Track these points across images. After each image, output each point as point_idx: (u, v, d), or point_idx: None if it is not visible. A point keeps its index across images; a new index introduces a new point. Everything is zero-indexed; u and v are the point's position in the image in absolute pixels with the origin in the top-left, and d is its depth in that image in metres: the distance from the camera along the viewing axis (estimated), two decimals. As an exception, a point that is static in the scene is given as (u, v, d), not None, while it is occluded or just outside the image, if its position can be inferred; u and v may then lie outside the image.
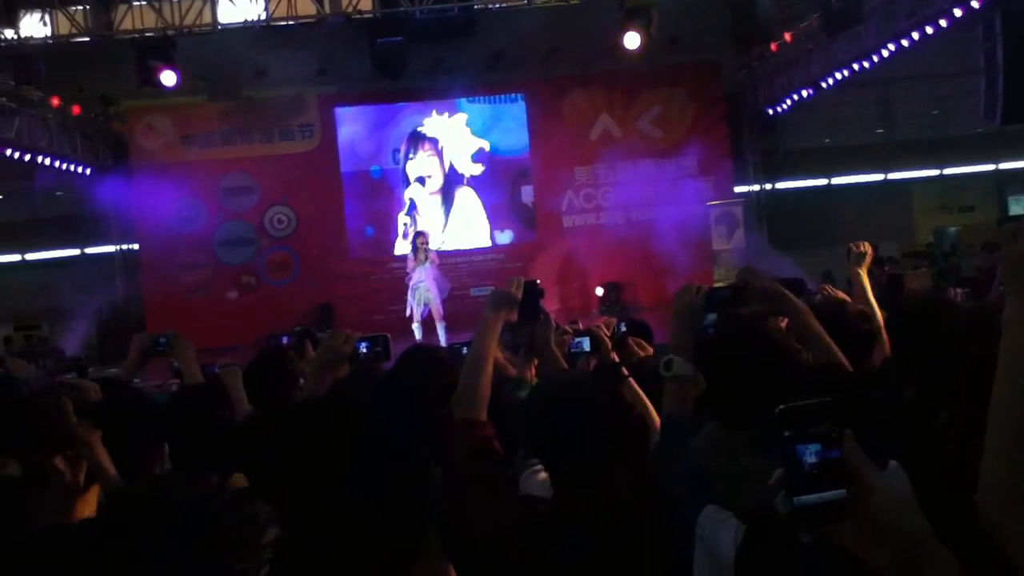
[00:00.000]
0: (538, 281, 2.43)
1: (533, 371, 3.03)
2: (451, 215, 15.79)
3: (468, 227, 15.80)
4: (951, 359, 2.11)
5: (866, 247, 3.66)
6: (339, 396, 1.22)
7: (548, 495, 2.07)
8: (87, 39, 11.89)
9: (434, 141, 15.75)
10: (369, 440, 1.11)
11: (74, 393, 1.99)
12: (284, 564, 1.87)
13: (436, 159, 15.77)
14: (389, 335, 2.48)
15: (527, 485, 2.26)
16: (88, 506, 2.16)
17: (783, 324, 2.77)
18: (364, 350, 2.43)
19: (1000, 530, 1.19)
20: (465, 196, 15.84)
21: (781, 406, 1.09)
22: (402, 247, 15.11)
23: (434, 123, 15.78)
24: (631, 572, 1.88)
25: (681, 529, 1.91)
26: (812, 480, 1.06)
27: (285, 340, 3.42)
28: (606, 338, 3.11)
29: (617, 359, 3.10)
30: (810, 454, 1.07)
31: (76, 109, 13.64)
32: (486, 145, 15.75)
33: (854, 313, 3.12)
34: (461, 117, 15.77)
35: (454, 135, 15.78)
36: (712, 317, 2.44)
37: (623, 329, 3.60)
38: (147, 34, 11.93)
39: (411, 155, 15.75)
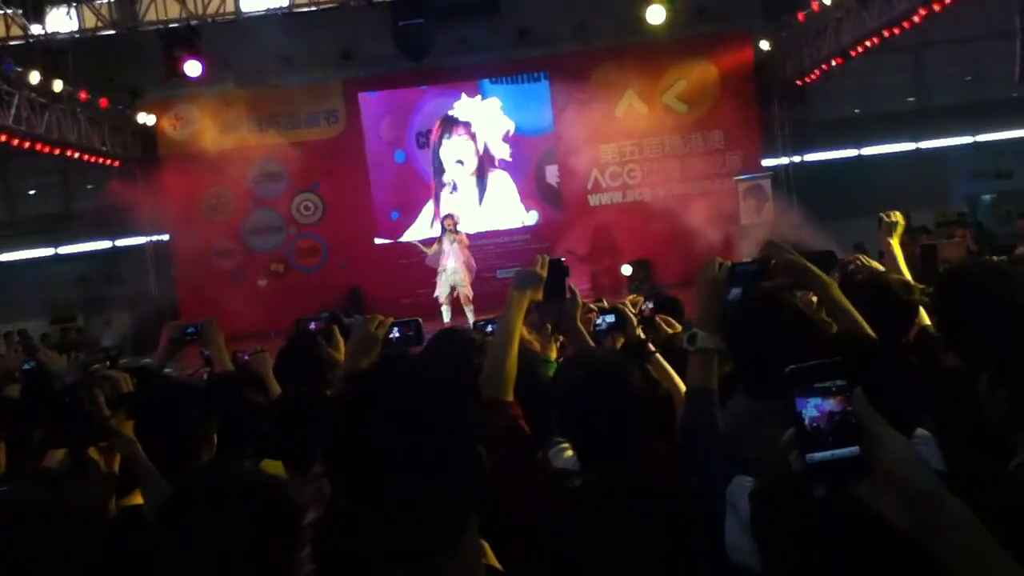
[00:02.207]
0: (563, 259, 2.42)
1: (555, 350, 3.03)
2: (486, 197, 15.79)
3: (503, 209, 15.79)
4: (999, 324, 2.08)
5: (897, 216, 3.60)
6: (386, 372, 1.21)
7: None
8: (112, 32, 11.97)
9: (467, 124, 15.72)
10: (420, 414, 1.11)
11: (107, 384, 2.02)
12: (326, 544, 1.89)
13: (471, 142, 15.74)
14: (420, 319, 2.49)
15: (556, 461, 2.26)
16: (126, 496, 2.20)
17: (812, 299, 2.75)
18: (397, 334, 2.44)
19: None
20: (498, 178, 15.82)
21: (790, 366, 1.09)
22: (419, 231, 15.13)
23: (465, 106, 15.73)
24: (664, 547, 1.88)
25: (713, 500, 1.91)
26: (823, 437, 1.07)
27: (313, 325, 3.44)
28: (631, 315, 3.10)
29: (644, 337, 3.09)
30: (818, 410, 1.08)
31: (104, 102, 13.77)
32: (512, 126, 15.69)
33: (896, 283, 3.06)
34: (494, 101, 15.71)
35: (486, 118, 15.73)
36: (737, 291, 2.43)
37: (650, 306, 3.57)
38: (171, 25, 12.00)
39: (445, 138, 15.73)
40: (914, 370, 2.43)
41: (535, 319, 3.72)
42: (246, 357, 3.91)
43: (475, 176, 15.79)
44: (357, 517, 1.12)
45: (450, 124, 15.73)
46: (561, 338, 3.45)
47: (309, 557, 1.61)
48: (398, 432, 1.09)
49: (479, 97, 15.70)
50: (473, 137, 15.73)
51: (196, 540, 1.35)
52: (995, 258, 5.77)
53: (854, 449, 1.07)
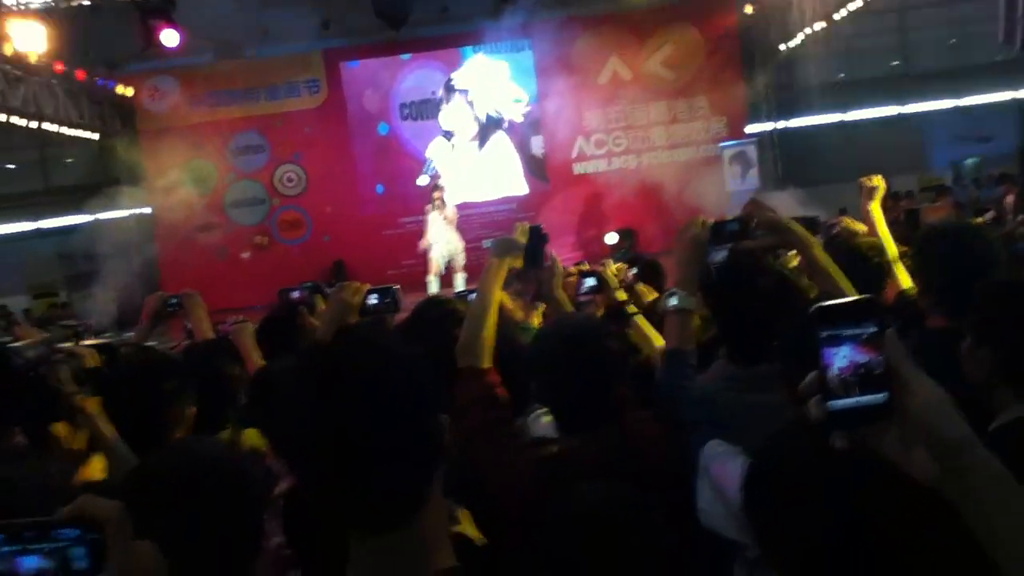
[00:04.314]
0: (542, 226, 2.40)
1: (538, 317, 3.01)
2: (484, 161, 15.59)
3: (500, 174, 15.62)
4: (978, 283, 2.07)
5: (878, 181, 3.58)
6: (344, 341, 1.18)
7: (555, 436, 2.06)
8: (88, 2, 11.74)
9: (464, 92, 15.51)
10: (376, 383, 1.08)
11: (72, 361, 1.98)
12: (296, 516, 1.88)
13: (468, 110, 15.52)
14: (399, 286, 2.46)
15: (534, 428, 2.26)
16: (92, 472, 2.17)
17: (796, 260, 2.73)
18: (374, 302, 2.41)
19: None
20: (498, 142, 15.63)
21: (817, 304, 1.01)
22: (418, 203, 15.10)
23: (467, 72, 15.50)
24: (643, 512, 1.88)
25: (688, 463, 1.90)
26: (849, 383, 0.99)
27: (296, 295, 3.41)
28: (612, 277, 3.08)
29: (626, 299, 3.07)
30: (847, 355, 0.99)
31: (81, 74, 13.55)
32: (524, 94, 15.51)
33: (866, 246, 3.06)
34: (502, 64, 15.50)
35: (490, 81, 15.48)
36: (722, 253, 2.41)
37: (633, 272, 3.56)
38: (147, -6, 11.78)
39: (443, 105, 15.54)
40: (904, 334, 2.43)
41: (519, 287, 3.70)
42: (228, 328, 3.88)
43: (476, 141, 15.61)
44: (314, 491, 1.11)
45: (450, 91, 15.52)
46: (544, 306, 3.43)
47: (279, 528, 1.60)
48: (355, 405, 1.07)
49: (486, 58, 15.45)
50: (471, 105, 15.53)
51: (154, 517, 1.33)
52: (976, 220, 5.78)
53: (881, 396, 0.99)
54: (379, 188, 15.68)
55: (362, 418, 1.06)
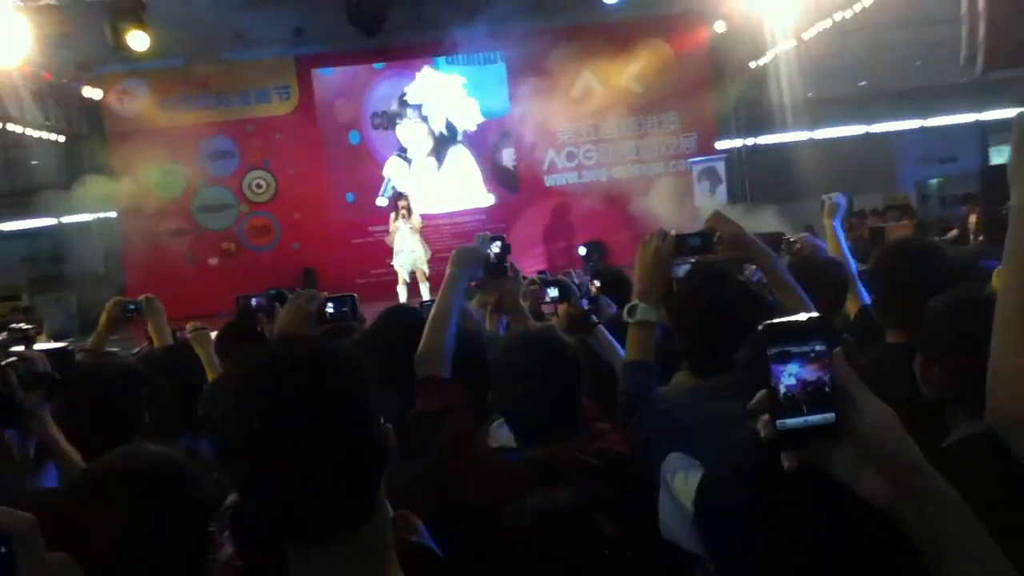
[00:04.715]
0: (504, 237, 2.39)
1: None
2: (443, 174, 15.60)
3: (460, 186, 15.63)
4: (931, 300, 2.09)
5: (840, 199, 3.64)
6: (284, 348, 1.16)
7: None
8: (55, 2, 11.59)
9: (418, 107, 15.53)
10: (315, 389, 1.06)
11: (22, 365, 1.93)
12: (245, 525, 1.85)
13: (422, 126, 15.55)
14: (356, 295, 2.44)
15: (496, 436, 2.24)
16: (43, 480, 2.12)
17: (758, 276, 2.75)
18: (331, 310, 2.39)
19: (1019, 434, 1.17)
20: (458, 154, 15.65)
21: (766, 322, 1.00)
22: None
23: (419, 86, 15.53)
24: (595, 524, 1.87)
25: (648, 475, 1.90)
26: (797, 403, 0.98)
27: (255, 302, 3.37)
28: (574, 286, 3.08)
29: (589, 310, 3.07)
30: (795, 374, 0.98)
31: (47, 76, 13.35)
32: (476, 105, 15.56)
33: (824, 262, 3.09)
34: (457, 78, 15.54)
35: (444, 95, 15.52)
36: (686, 266, 2.41)
37: (597, 285, 3.56)
38: (116, -4, 11.63)
39: (399, 120, 15.55)
40: (849, 347, 2.45)
41: (484, 298, 3.68)
42: (188, 335, 3.83)
43: (432, 156, 15.63)
44: (254, 502, 1.08)
45: (403, 106, 15.56)
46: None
47: (229, 539, 1.57)
48: (293, 412, 1.04)
49: (438, 72, 15.49)
50: (425, 120, 15.55)
51: (94, 524, 1.30)
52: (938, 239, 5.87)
53: (830, 415, 0.98)
54: (349, 197, 15.61)
55: (301, 426, 1.04)
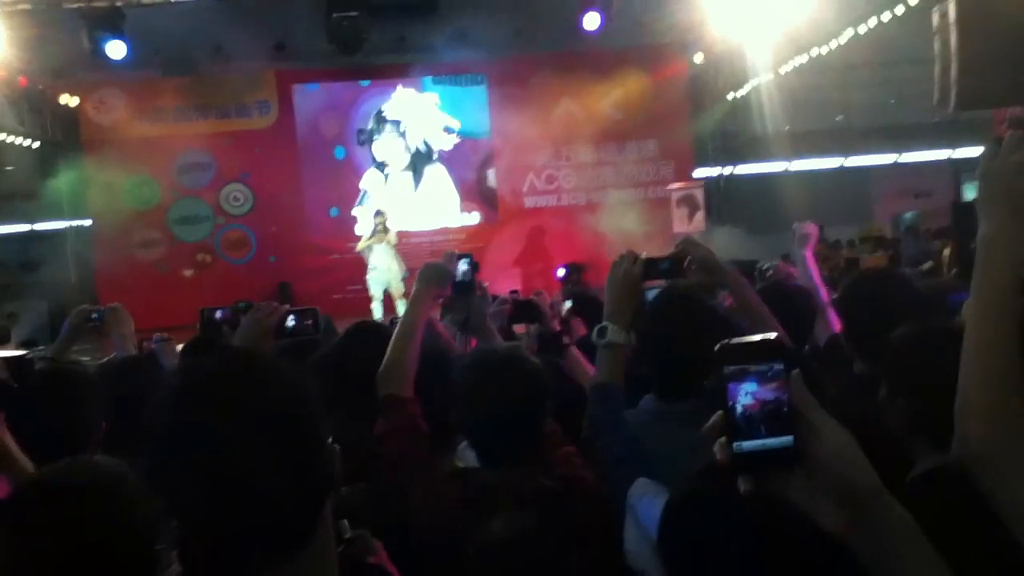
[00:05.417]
0: (472, 255, 2.37)
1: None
2: (420, 193, 15.58)
3: (437, 205, 15.61)
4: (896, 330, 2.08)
5: (810, 229, 3.66)
6: (220, 361, 1.11)
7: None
8: (30, 6, 11.50)
9: (396, 123, 15.55)
10: (252, 410, 1.01)
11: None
12: (192, 544, 1.80)
13: (399, 141, 15.56)
14: (319, 308, 2.40)
15: (464, 457, 2.21)
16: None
17: (728, 302, 2.75)
18: (292, 323, 2.34)
19: (986, 470, 1.16)
20: (434, 173, 15.64)
21: (722, 342, 0.99)
22: (360, 230, 14.94)
23: (397, 103, 15.54)
24: (565, 550, 1.84)
25: (614, 501, 1.87)
26: (754, 425, 0.96)
27: (220, 315, 3.32)
28: (546, 307, 3.06)
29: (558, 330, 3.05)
30: (753, 397, 0.97)
31: (23, 81, 13.23)
32: (456, 124, 15.58)
33: (792, 290, 3.10)
34: (431, 96, 15.57)
35: (421, 112, 15.55)
36: (655, 290, 2.41)
37: (569, 306, 3.54)
38: (95, 4, 11.59)
39: (376, 135, 15.55)
40: (817, 375, 2.44)
41: (455, 317, 3.65)
42: (152, 346, 3.77)
43: (409, 171, 15.63)
44: (188, 525, 1.04)
45: (380, 122, 15.56)
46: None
47: (177, 557, 1.52)
48: (226, 429, 0.99)
49: (414, 90, 15.52)
50: (403, 135, 15.56)
51: (30, 543, 1.25)
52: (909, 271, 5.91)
53: (788, 439, 0.96)
54: (334, 211, 15.54)
55: (235, 444, 0.99)
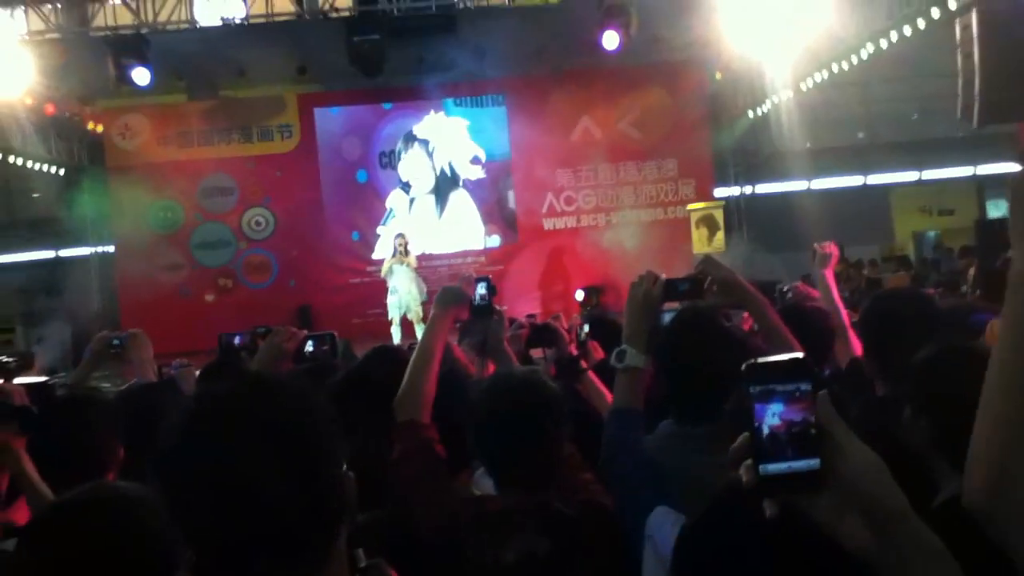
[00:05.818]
0: (490, 278, 2.36)
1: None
2: (444, 217, 15.65)
3: (461, 230, 15.66)
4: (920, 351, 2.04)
5: (831, 249, 3.63)
6: (240, 386, 1.12)
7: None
8: (58, 35, 11.72)
9: (424, 142, 15.63)
10: (269, 435, 1.02)
11: (-3, 398, 1.90)
12: (200, 561, 1.79)
13: (426, 161, 15.63)
14: (337, 332, 2.40)
15: (480, 485, 2.19)
16: (16, 514, 2.08)
17: (748, 324, 2.72)
18: (310, 348, 2.35)
19: (988, 519, 1.09)
20: (459, 199, 15.70)
21: (748, 361, 0.97)
22: (381, 252, 14.98)
23: (427, 125, 15.63)
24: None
25: (631, 528, 1.84)
26: (780, 447, 0.95)
27: (238, 340, 3.34)
28: (563, 331, 3.04)
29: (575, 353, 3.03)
30: (780, 418, 0.95)
31: (50, 109, 13.46)
32: (482, 153, 15.65)
33: (812, 310, 3.06)
34: (462, 121, 15.66)
35: (449, 137, 15.64)
36: (673, 314, 2.38)
37: (587, 330, 3.52)
38: (121, 31, 11.79)
39: (404, 154, 15.64)
40: (840, 397, 2.41)
41: (472, 341, 3.64)
42: (172, 372, 3.78)
43: (433, 195, 15.70)
44: (203, 549, 1.04)
45: (409, 141, 15.65)
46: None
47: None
48: (243, 455, 1.00)
49: (443, 114, 15.61)
50: (430, 155, 15.64)
51: (57, 561, 1.26)
52: (932, 291, 5.84)
53: (815, 462, 0.95)
54: (355, 235, 15.61)
55: (238, 451, 0.99)
